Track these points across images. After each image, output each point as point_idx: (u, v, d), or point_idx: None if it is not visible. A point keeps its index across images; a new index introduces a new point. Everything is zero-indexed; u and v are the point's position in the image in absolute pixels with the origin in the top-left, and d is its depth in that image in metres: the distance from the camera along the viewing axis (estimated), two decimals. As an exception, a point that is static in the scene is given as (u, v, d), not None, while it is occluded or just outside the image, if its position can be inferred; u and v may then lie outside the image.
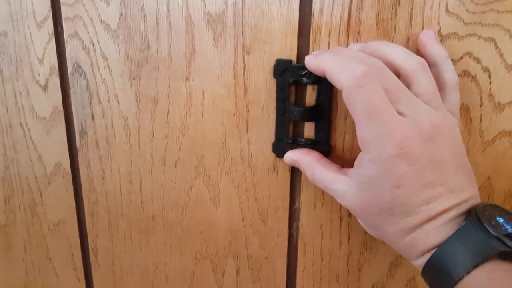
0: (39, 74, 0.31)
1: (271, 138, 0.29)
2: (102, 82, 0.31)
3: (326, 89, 0.26)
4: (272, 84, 0.28)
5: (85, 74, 0.31)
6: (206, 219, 0.33)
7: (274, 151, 0.29)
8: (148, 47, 0.29)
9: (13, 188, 0.35)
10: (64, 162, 0.33)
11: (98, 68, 0.30)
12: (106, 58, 0.30)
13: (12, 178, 0.35)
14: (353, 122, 0.28)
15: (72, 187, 0.34)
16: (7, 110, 0.33)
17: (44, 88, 0.32)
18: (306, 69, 0.24)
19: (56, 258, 0.37)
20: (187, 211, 0.33)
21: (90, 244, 0.35)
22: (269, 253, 0.33)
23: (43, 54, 0.31)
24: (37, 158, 0.34)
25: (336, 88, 0.27)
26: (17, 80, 0.32)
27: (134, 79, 0.30)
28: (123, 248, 0.35)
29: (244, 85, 0.28)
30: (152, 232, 0.34)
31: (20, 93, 0.32)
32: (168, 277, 0.35)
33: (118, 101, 0.31)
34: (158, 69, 0.29)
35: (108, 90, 0.31)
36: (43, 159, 0.33)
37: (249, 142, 0.30)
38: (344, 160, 0.29)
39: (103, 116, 0.31)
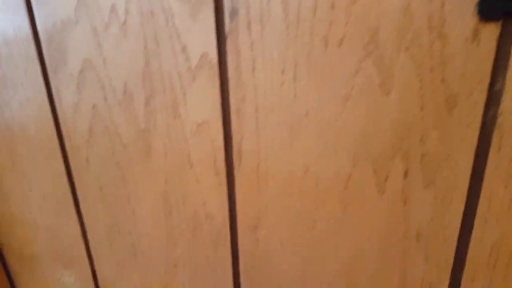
0: None
1: (485, -12, 0.22)
2: None
3: None
4: None
5: None
6: (372, 110, 0.28)
7: (479, 11, 0.23)
8: None
9: (154, 87, 0.33)
10: (211, 52, 0.30)
11: None
12: None
13: (153, 75, 0.33)
14: None
15: (218, 82, 0.31)
16: (147, -3, 0.30)
17: (191, -39, 0.28)
18: None
19: (197, 163, 0.35)
20: (349, 102, 0.28)
21: (235, 147, 0.33)
22: (451, 150, 0.28)
23: None
24: (181, 49, 0.31)
25: None
26: (160, -43, 0.28)
27: None
28: (270, 150, 0.32)
29: None
30: (305, 130, 0.30)
31: (162, -27, 0.29)
32: (319, 180, 0.32)
33: (277, -34, 0.26)
34: None
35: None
36: (187, 51, 0.31)
37: (443, 3, 0.24)
38: None
39: (259, -12, 0.27)
